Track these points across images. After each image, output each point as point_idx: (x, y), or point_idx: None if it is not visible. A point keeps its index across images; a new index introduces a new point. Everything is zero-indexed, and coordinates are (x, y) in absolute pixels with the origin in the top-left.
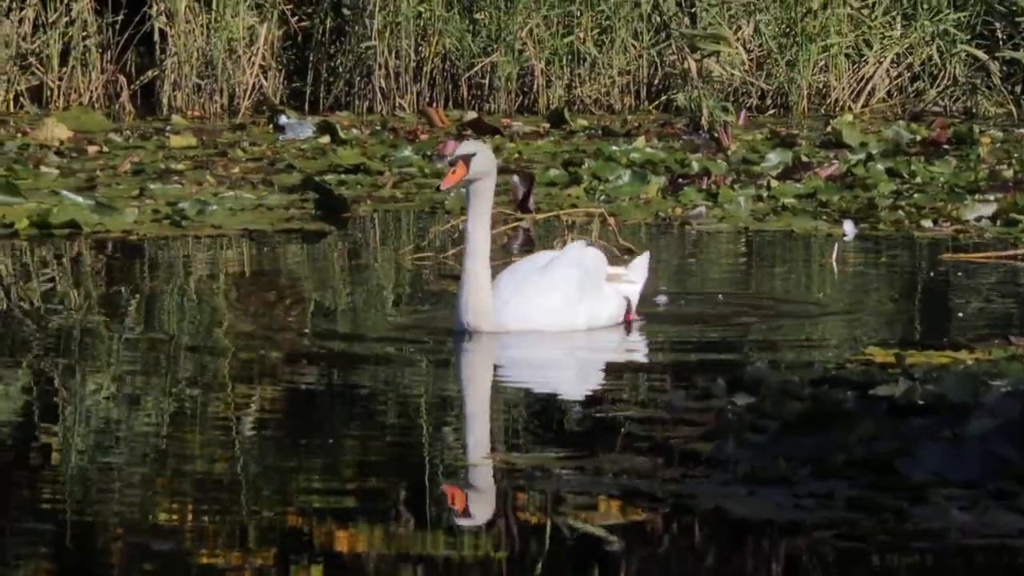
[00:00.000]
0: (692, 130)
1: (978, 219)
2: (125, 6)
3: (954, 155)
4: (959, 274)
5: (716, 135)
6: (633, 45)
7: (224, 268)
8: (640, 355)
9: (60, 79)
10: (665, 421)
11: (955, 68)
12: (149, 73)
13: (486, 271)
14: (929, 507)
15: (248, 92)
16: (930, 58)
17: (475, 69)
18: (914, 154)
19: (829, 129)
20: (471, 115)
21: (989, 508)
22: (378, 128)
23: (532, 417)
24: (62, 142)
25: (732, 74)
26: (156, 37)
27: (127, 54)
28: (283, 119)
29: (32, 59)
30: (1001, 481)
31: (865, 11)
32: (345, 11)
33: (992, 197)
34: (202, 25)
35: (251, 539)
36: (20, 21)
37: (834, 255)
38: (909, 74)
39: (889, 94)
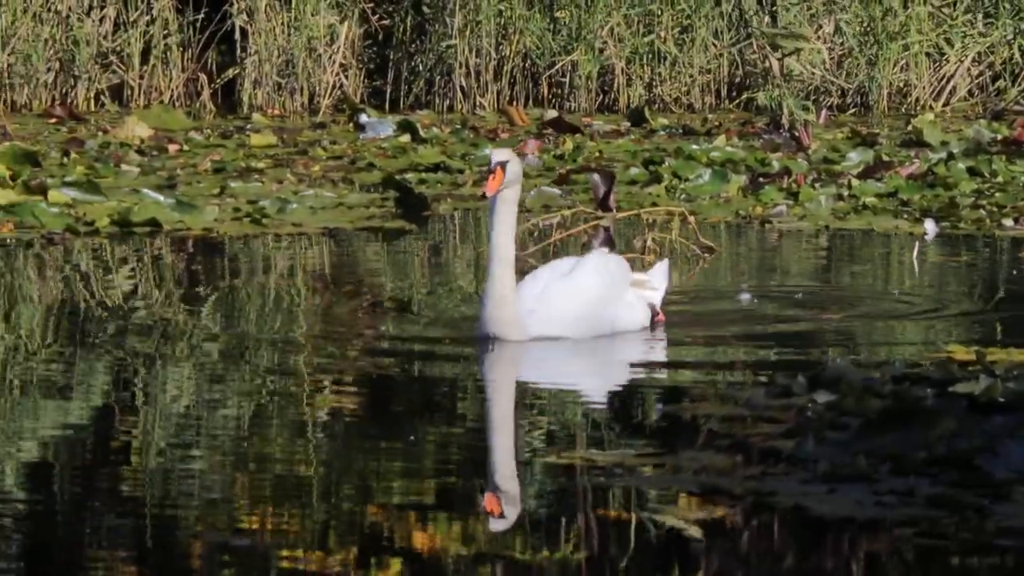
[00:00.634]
0: (773, 129)
1: None
2: (206, 4)
3: None
4: None
5: (796, 134)
6: (713, 44)
7: (303, 265)
8: (718, 353)
9: (141, 77)
10: (745, 419)
11: None
12: (230, 71)
13: (511, 278)
14: (1011, 505)
15: (328, 91)
16: (1011, 57)
17: (555, 68)
18: (995, 153)
19: (910, 128)
20: (551, 114)
21: None
22: (458, 127)
23: (612, 415)
24: (143, 140)
25: (813, 73)
26: (237, 35)
27: (208, 52)
28: (363, 118)
29: (113, 57)
30: None
31: (946, 9)
32: (426, 9)
33: None
34: (282, 23)
35: (331, 538)
36: (101, 20)
37: (915, 253)
38: (990, 73)
39: (970, 93)
